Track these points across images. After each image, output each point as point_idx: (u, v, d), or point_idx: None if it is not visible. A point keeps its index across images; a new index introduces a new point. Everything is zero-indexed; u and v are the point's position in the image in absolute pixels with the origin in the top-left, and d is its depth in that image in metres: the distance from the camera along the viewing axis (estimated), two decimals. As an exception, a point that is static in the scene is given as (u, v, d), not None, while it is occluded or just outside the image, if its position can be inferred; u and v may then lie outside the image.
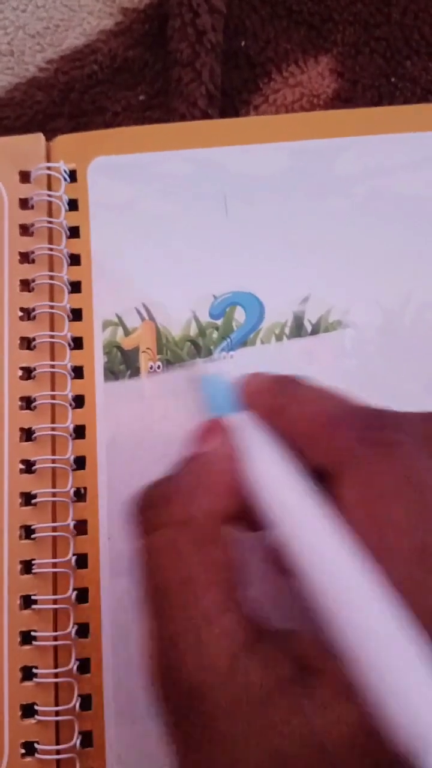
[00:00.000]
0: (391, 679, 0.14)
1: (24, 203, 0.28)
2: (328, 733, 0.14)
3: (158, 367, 0.27)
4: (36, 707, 0.24)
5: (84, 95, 0.33)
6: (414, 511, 0.16)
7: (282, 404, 0.20)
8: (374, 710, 0.14)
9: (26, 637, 0.25)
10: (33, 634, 0.25)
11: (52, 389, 0.26)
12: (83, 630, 0.25)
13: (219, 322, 0.27)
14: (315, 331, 0.27)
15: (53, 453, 0.26)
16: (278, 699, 0.15)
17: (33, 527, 0.25)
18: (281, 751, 0.14)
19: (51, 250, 0.27)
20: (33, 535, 0.25)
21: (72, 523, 0.25)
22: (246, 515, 0.18)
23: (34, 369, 0.27)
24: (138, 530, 0.18)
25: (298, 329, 0.27)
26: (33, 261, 0.27)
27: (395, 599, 0.15)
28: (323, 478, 0.18)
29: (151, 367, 0.27)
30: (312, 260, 0.28)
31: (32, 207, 0.28)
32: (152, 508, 0.18)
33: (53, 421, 0.26)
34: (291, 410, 0.19)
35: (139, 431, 0.26)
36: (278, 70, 0.34)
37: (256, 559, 0.20)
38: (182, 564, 0.17)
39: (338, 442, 0.18)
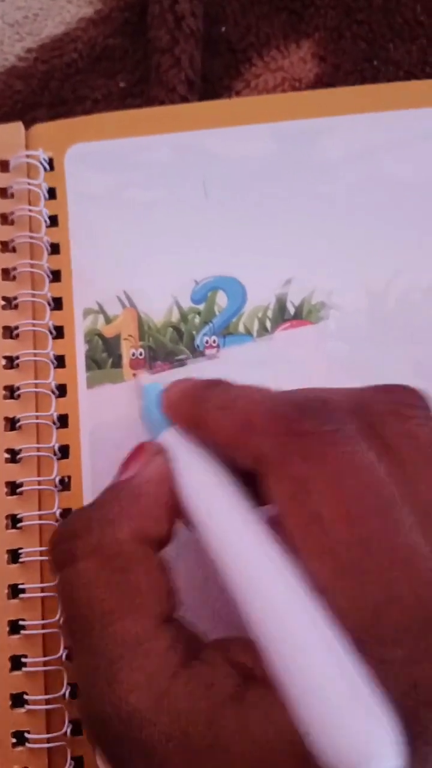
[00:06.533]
0: (313, 691, 0.14)
1: (3, 192, 0.28)
2: (275, 743, 0.14)
3: (140, 354, 0.27)
4: (26, 696, 0.24)
5: (64, 84, 0.33)
6: (347, 503, 0.15)
7: (199, 415, 0.19)
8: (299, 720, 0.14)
9: (14, 627, 0.25)
10: (21, 623, 0.24)
11: (36, 378, 0.26)
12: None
13: (201, 307, 0.27)
14: (298, 313, 0.27)
15: (38, 442, 0.26)
16: (220, 719, 0.14)
17: (19, 516, 0.25)
18: None
19: (32, 238, 0.27)
20: (19, 524, 0.25)
21: (58, 512, 0.25)
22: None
23: (17, 358, 0.27)
24: (56, 565, 0.18)
25: (281, 312, 0.27)
26: (14, 250, 0.27)
27: (325, 602, 0.14)
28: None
29: (133, 355, 0.27)
30: (294, 242, 0.28)
31: (12, 196, 0.28)
32: (71, 539, 0.18)
33: (37, 410, 0.26)
34: (209, 420, 0.19)
35: (122, 420, 0.26)
36: (259, 55, 0.34)
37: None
38: (105, 594, 0.16)
39: (258, 446, 0.17)
